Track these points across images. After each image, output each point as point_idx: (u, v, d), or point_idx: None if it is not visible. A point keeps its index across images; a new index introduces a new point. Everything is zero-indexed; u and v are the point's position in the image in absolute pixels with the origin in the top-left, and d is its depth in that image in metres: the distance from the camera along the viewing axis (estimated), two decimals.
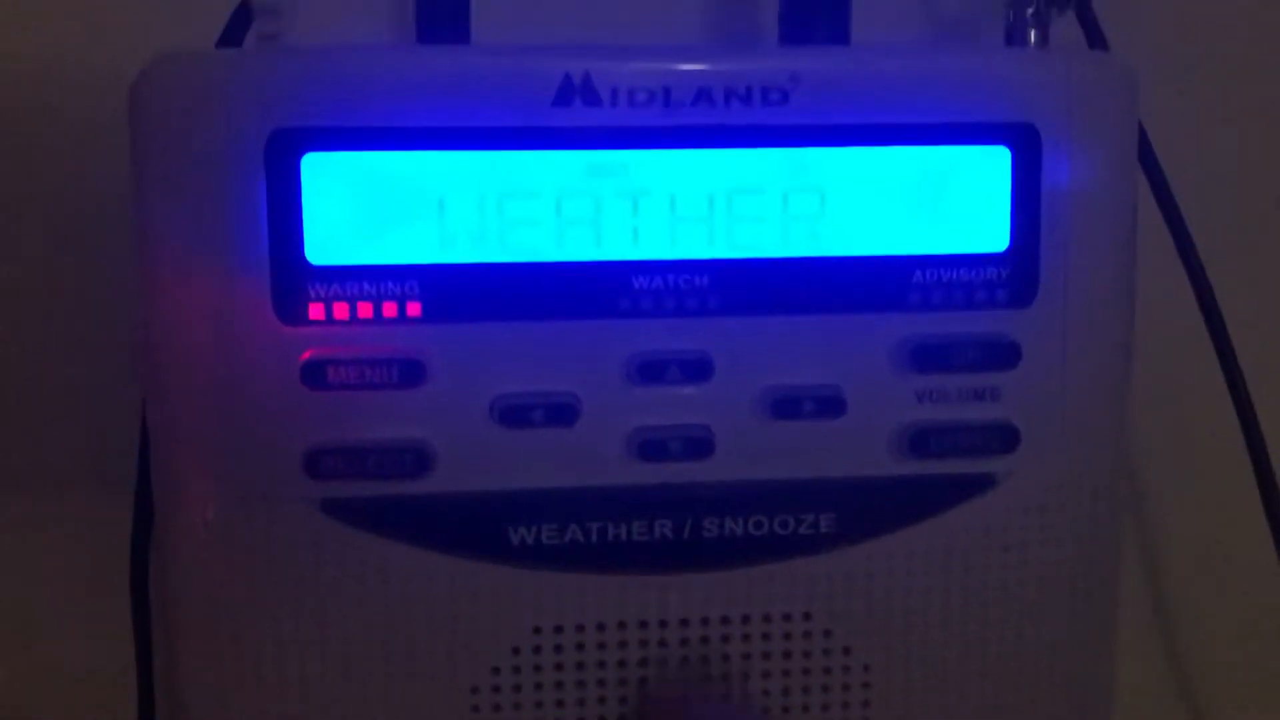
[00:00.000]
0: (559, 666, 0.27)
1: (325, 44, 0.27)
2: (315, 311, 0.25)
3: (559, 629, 0.27)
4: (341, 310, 0.25)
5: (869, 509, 0.27)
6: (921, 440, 0.27)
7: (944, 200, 0.27)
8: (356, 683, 0.26)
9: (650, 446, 0.26)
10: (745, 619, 0.27)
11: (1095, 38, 0.30)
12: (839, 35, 0.29)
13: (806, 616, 0.27)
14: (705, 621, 0.27)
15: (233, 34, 0.28)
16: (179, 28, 0.28)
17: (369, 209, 0.25)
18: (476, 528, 0.26)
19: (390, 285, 0.25)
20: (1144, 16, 0.34)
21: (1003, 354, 0.27)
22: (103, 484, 0.33)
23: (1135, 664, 0.35)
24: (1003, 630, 0.28)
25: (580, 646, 0.27)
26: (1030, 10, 0.29)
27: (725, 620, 0.27)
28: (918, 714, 0.28)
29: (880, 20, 0.30)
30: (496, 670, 0.27)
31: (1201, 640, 0.36)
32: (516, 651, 0.27)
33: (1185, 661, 0.36)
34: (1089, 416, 0.28)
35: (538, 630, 0.27)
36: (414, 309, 0.25)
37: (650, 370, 0.26)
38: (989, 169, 0.27)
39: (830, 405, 0.26)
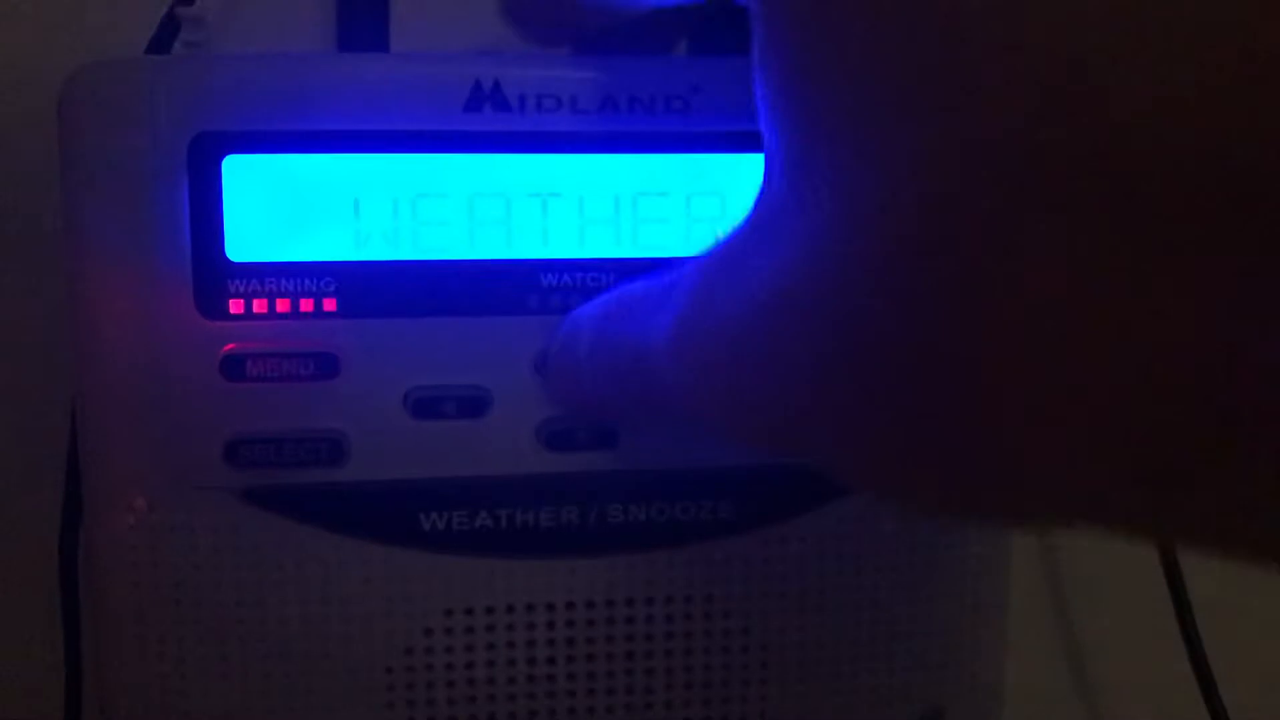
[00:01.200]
0: (469, 648, 0.28)
1: (248, 52, 0.28)
2: (235, 307, 0.26)
3: (469, 611, 0.28)
4: (261, 305, 0.26)
5: (766, 497, 0.28)
6: None
7: None
8: (277, 664, 0.28)
9: (557, 437, 0.27)
10: (649, 601, 0.28)
11: None
12: (742, 48, 0.30)
13: (708, 599, 0.29)
14: (610, 604, 0.28)
15: (160, 42, 0.29)
16: (110, 35, 0.29)
17: (288, 209, 0.26)
18: (390, 514, 0.27)
19: (307, 282, 0.27)
20: None
21: None
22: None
23: (1030, 646, 0.36)
24: (894, 613, 0.30)
25: (490, 628, 0.28)
26: None
27: (630, 602, 0.28)
28: (814, 694, 0.30)
29: None
30: (409, 651, 0.28)
31: (1095, 621, 0.38)
32: (429, 633, 0.28)
33: (1079, 644, 0.38)
34: None
35: (449, 613, 0.28)
36: (330, 305, 0.27)
37: None
38: None
39: None
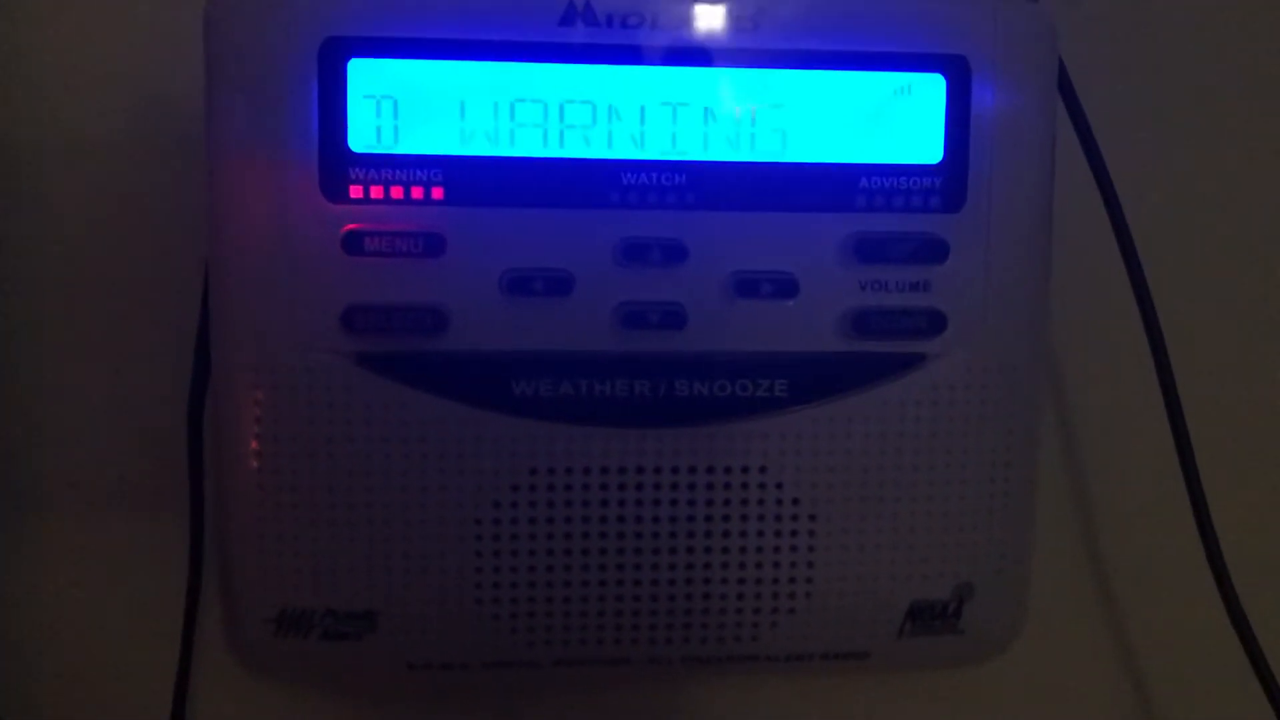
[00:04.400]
0: (550, 504, 0.31)
1: None
2: (355, 192, 0.30)
3: (551, 471, 0.31)
4: (377, 191, 0.30)
5: (817, 378, 0.32)
6: (862, 322, 0.31)
7: (887, 118, 0.31)
8: (381, 513, 0.31)
9: (632, 318, 0.31)
10: (710, 469, 0.32)
11: None
12: None
13: (762, 470, 0.32)
14: (675, 470, 0.32)
15: None
16: None
17: (402, 107, 0.30)
18: (484, 381, 0.31)
19: (418, 172, 0.30)
20: None
21: (934, 251, 0.32)
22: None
23: (1051, 535, 0.39)
24: (931, 490, 0.33)
25: (569, 488, 0.31)
26: None
27: (692, 470, 0.32)
28: (854, 561, 0.33)
29: None
30: (497, 505, 0.31)
31: (1112, 517, 0.41)
32: (515, 489, 0.31)
33: (1096, 535, 0.41)
34: (1008, 309, 0.32)
35: (533, 471, 0.31)
36: (437, 193, 0.30)
37: (634, 253, 0.31)
38: (926, 93, 0.31)
39: (785, 288, 0.31)
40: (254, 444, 0.31)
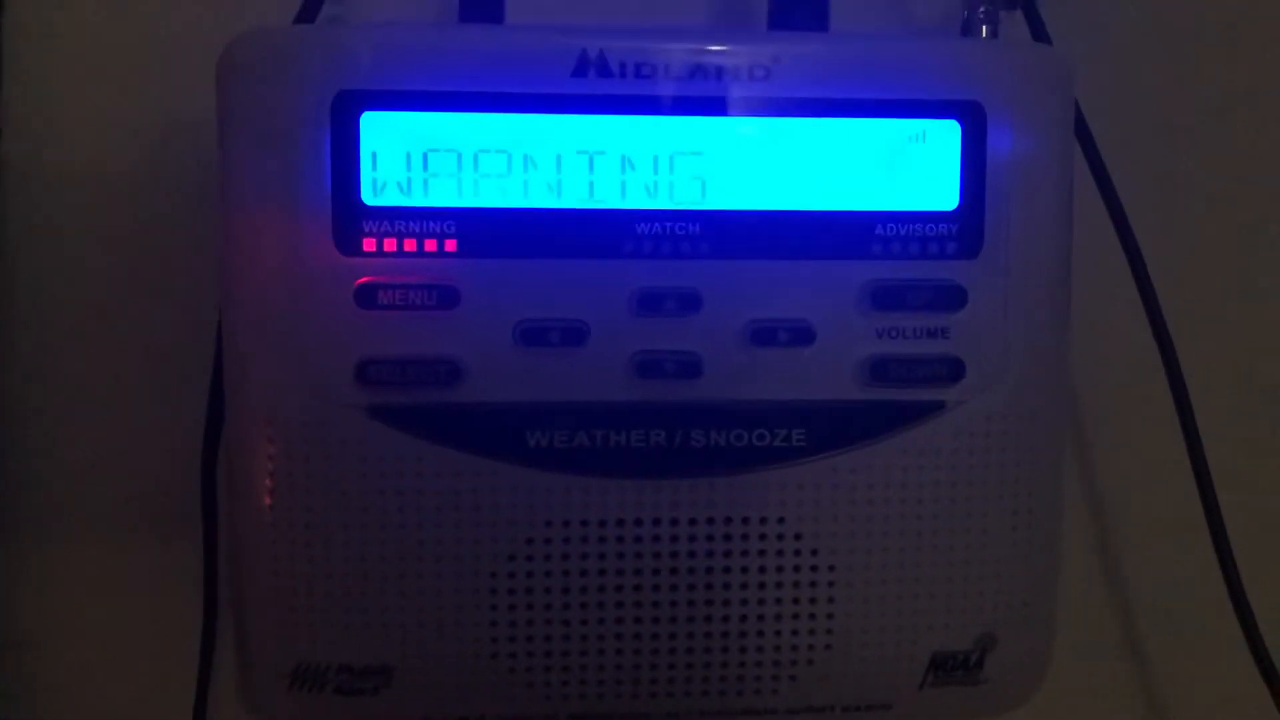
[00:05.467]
0: (566, 556, 0.31)
1: (382, 22, 0.31)
2: (369, 245, 0.30)
3: (566, 523, 0.31)
4: (390, 244, 0.30)
5: (835, 427, 0.31)
6: (881, 369, 0.31)
7: (903, 165, 0.31)
8: (393, 565, 0.31)
9: (648, 367, 0.31)
10: (727, 520, 0.31)
11: (1039, 32, 0.35)
12: (819, 24, 0.33)
13: (780, 521, 0.32)
14: (692, 521, 0.31)
15: (306, 13, 0.33)
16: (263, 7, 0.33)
17: (415, 160, 0.30)
18: (499, 432, 0.31)
19: (432, 224, 0.30)
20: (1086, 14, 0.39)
21: (952, 298, 0.31)
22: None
23: (1076, 576, 0.39)
24: (952, 540, 0.32)
25: (584, 540, 0.31)
26: (982, 8, 0.34)
27: (710, 521, 0.31)
28: (875, 613, 0.32)
29: (855, 14, 0.35)
30: (512, 558, 0.31)
31: (1137, 553, 0.40)
32: (530, 542, 0.31)
33: (1123, 575, 0.40)
34: (1028, 355, 0.32)
35: (548, 524, 0.31)
36: (451, 245, 0.30)
37: (649, 302, 0.30)
38: (942, 139, 0.31)
39: (801, 336, 0.31)
40: (267, 496, 0.31)
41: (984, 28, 0.34)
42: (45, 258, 0.37)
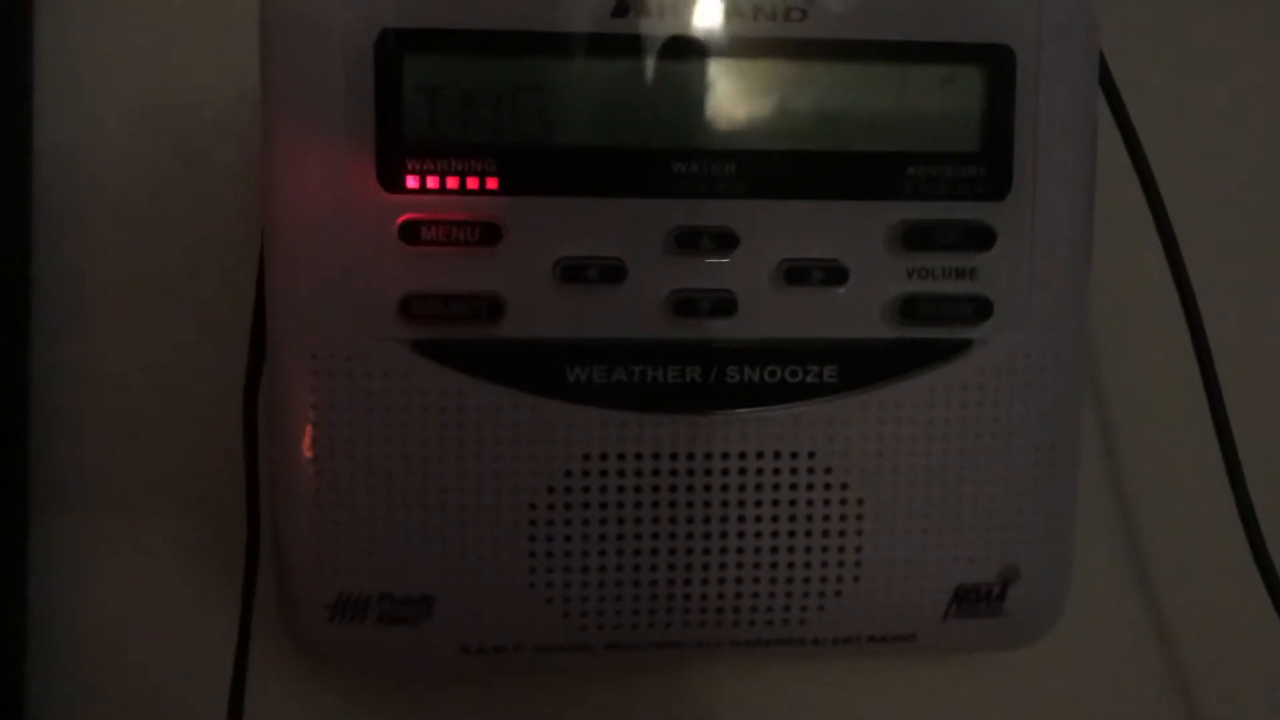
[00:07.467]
0: (603, 489, 0.32)
1: None
2: (412, 182, 0.30)
3: (604, 456, 0.32)
4: (433, 181, 0.30)
5: (865, 364, 0.32)
6: (910, 308, 0.32)
7: (934, 107, 0.32)
8: (436, 497, 0.31)
9: (684, 305, 0.31)
10: (760, 454, 0.32)
11: None
12: None
13: (811, 455, 0.32)
14: (725, 455, 0.32)
15: None
16: None
17: (458, 98, 0.30)
18: (539, 367, 0.31)
19: (473, 162, 0.31)
20: None
21: (980, 238, 0.32)
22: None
23: (1091, 516, 0.40)
24: (977, 474, 0.33)
25: (621, 474, 0.32)
26: None
27: (743, 455, 0.32)
28: (902, 545, 0.33)
29: None
30: (551, 490, 0.32)
31: (1149, 497, 0.41)
32: (568, 474, 0.32)
33: (1136, 514, 0.42)
34: (1052, 294, 0.33)
35: (586, 457, 0.32)
36: (492, 183, 0.31)
37: (686, 241, 0.31)
38: (972, 82, 0.32)
39: (834, 275, 0.32)
40: (310, 430, 0.31)
41: None
42: (76, 227, 0.37)
